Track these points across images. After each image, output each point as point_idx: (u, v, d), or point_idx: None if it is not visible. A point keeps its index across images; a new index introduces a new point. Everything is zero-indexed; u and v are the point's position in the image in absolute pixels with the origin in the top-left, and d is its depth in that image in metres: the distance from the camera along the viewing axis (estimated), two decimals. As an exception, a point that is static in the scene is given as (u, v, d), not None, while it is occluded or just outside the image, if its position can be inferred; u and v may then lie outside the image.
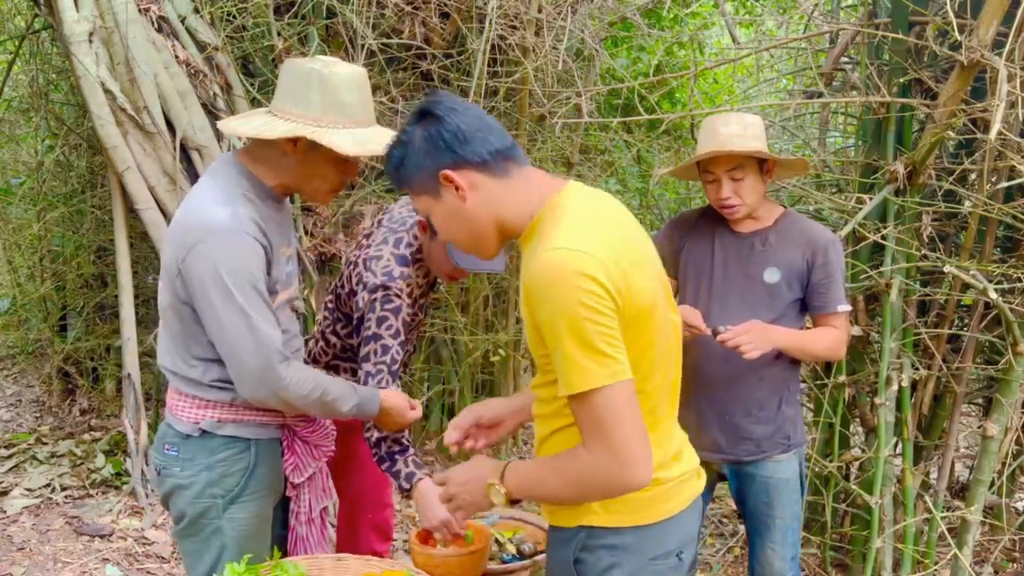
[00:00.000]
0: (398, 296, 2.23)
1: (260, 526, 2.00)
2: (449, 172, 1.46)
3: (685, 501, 1.57)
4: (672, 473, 1.54)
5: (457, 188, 1.47)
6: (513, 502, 1.53)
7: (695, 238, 2.46)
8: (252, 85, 3.91)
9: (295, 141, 1.83)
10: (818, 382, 3.13)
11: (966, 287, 2.88)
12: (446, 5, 3.91)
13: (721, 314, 2.33)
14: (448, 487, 1.61)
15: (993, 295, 2.66)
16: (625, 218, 1.53)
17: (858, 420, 3.20)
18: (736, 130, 2.30)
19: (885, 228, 2.85)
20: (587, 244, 1.37)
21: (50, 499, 3.84)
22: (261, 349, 1.79)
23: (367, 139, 1.84)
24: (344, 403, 1.96)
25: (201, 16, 3.87)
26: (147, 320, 4.59)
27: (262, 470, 1.97)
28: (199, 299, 1.80)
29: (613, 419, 1.36)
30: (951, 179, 2.80)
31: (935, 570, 3.00)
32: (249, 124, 1.85)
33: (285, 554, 2.09)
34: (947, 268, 2.72)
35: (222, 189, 1.84)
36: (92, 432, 4.60)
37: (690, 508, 1.58)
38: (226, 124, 1.92)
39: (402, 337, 2.24)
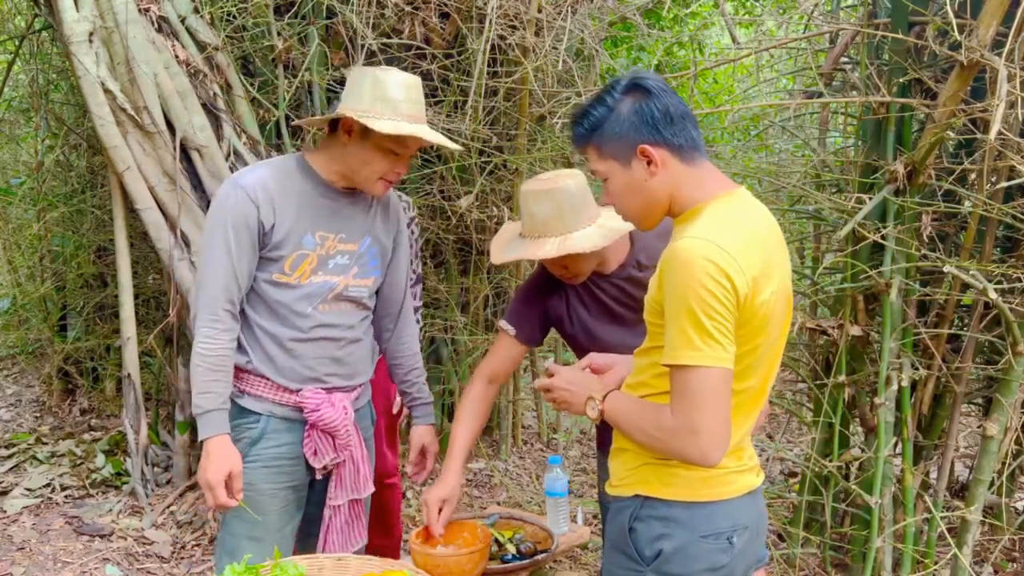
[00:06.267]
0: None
1: (261, 500, 2.08)
2: (648, 147, 1.55)
3: (738, 490, 1.63)
4: (728, 463, 1.61)
5: (650, 163, 1.56)
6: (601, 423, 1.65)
7: None
8: (252, 85, 3.91)
9: (349, 131, 2.01)
10: (818, 382, 3.13)
11: (966, 287, 2.88)
12: (446, 5, 3.90)
13: None
14: (555, 380, 1.75)
15: (993, 295, 2.66)
16: (771, 232, 1.62)
17: (858, 420, 3.20)
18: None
19: (885, 228, 2.85)
20: (726, 242, 1.46)
21: (50, 499, 3.84)
22: (200, 291, 2.00)
23: (407, 129, 1.96)
24: (197, 401, 2.00)
25: (201, 16, 3.87)
26: (147, 320, 4.60)
27: (267, 443, 2.09)
28: None
29: (703, 399, 1.45)
30: (951, 179, 2.80)
31: (935, 570, 3.00)
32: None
33: (315, 535, 2.22)
34: (947, 268, 2.72)
35: (266, 163, 2.12)
36: (92, 432, 4.60)
37: (743, 497, 1.64)
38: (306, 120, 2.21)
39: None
